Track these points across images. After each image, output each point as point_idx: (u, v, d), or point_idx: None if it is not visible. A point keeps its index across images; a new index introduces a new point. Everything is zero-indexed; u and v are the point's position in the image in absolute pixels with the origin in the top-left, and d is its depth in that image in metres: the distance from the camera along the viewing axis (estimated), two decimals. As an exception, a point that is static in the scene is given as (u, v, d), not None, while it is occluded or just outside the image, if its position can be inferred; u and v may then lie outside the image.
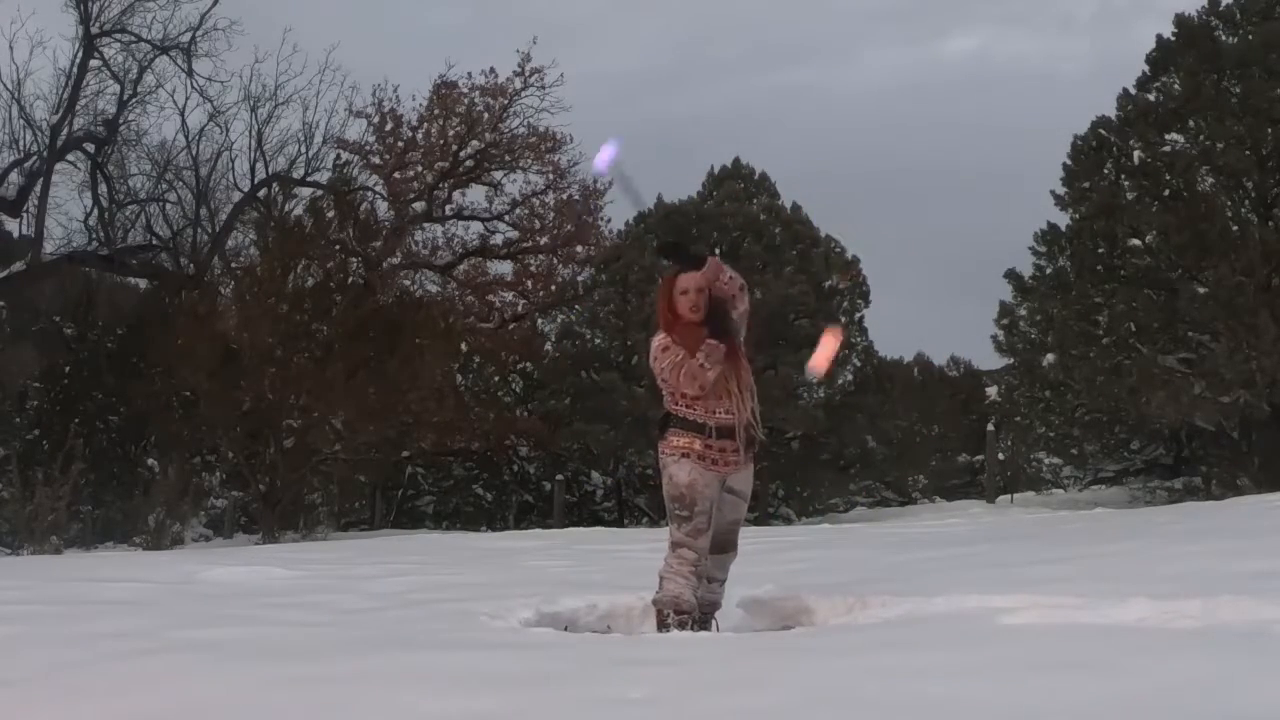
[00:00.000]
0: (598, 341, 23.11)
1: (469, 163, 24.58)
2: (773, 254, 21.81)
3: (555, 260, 24.99)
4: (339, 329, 18.67)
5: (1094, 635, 3.79)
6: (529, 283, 25.17)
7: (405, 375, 18.63)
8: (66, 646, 4.23)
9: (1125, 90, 18.45)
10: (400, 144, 24.40)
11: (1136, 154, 17.92)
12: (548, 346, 25.28)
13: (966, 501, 21.42)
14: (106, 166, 22.94)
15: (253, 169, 23.69)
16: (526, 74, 23.94)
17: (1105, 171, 18.42)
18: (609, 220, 24.51)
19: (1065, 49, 78.92)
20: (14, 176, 21.88)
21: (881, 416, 23.31)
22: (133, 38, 22.49)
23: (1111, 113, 18.48)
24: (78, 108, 22.01)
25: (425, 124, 24.29)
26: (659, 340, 4.86)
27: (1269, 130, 16.53)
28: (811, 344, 5.53)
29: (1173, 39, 18.15)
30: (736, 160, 23.48)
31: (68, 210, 33.73)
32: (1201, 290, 16.26)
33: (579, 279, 24.40)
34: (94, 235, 22.54)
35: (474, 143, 24.41)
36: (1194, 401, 15.98)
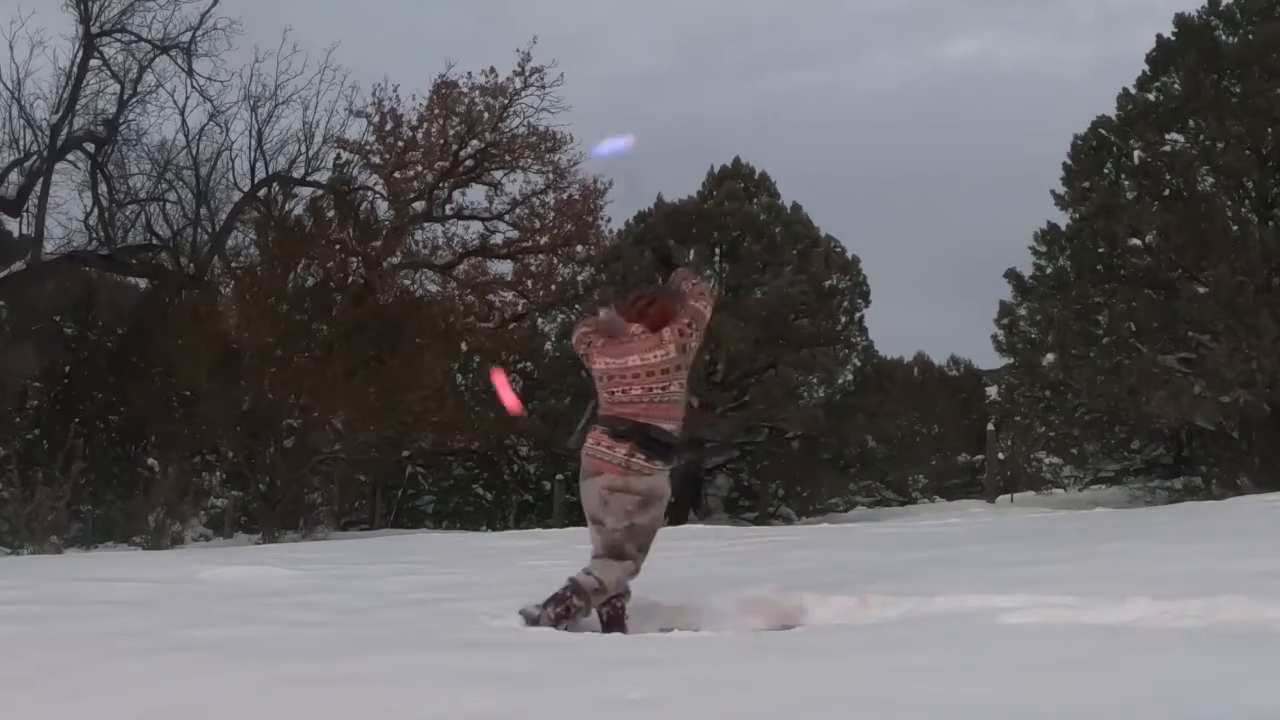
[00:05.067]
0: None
1: (469, 162, 24.56)
2: (773, 254, 21.81)
3: (555, 260, 24.98)
4: (339, 329, 18.66)
5: (1094, 635, 3.79)
6: (529, 282, 25.16)
7: (405, 375, 18.62)
8: (66, 646, 4.22)
9: (1125, 90, 18.43)
10: (400, 144, 24.38)
11: (1136, 154, 17.91)
12: (548, 346, 25.28)
13: (966, 501, 21.39)
14: (106, 166, 22.92)
15: (253, 169, 23.70)
16: (526, 74, 23.95)
17: (1105, 171, 18.41)
18: (609, 220, 24.53)
19: (1066, 53, 79.07)
20: (14, 176, 21.88)
21: (881, 416, 23.30)
22: (133, 37, 22.48)
23: (1112, 113, 18.48)
24: (78, 107, 22.01)
25: (425, 124, 24.28)
26: (694, 318, 4.81)
27: (1269, 130, 16.52)
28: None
29: (1173, 38, 18.14)
30: (737, 160, 23.48)
31: (68, 210, 33.70)
32: (1201, 290, 16.25)
33: (579, 279, 24.39)
34: (94, 235, 22.52)
35: (474, 142, 24.40)
36: (1194, 401, 15.97)
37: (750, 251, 21.75)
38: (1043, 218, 19.18)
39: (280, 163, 23.85)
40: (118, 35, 22.46)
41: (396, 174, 24.43)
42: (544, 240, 24.85)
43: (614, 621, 4.78)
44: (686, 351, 4.76)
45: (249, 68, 30.77)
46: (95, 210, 22.62)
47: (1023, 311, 19.36)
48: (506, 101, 24.13)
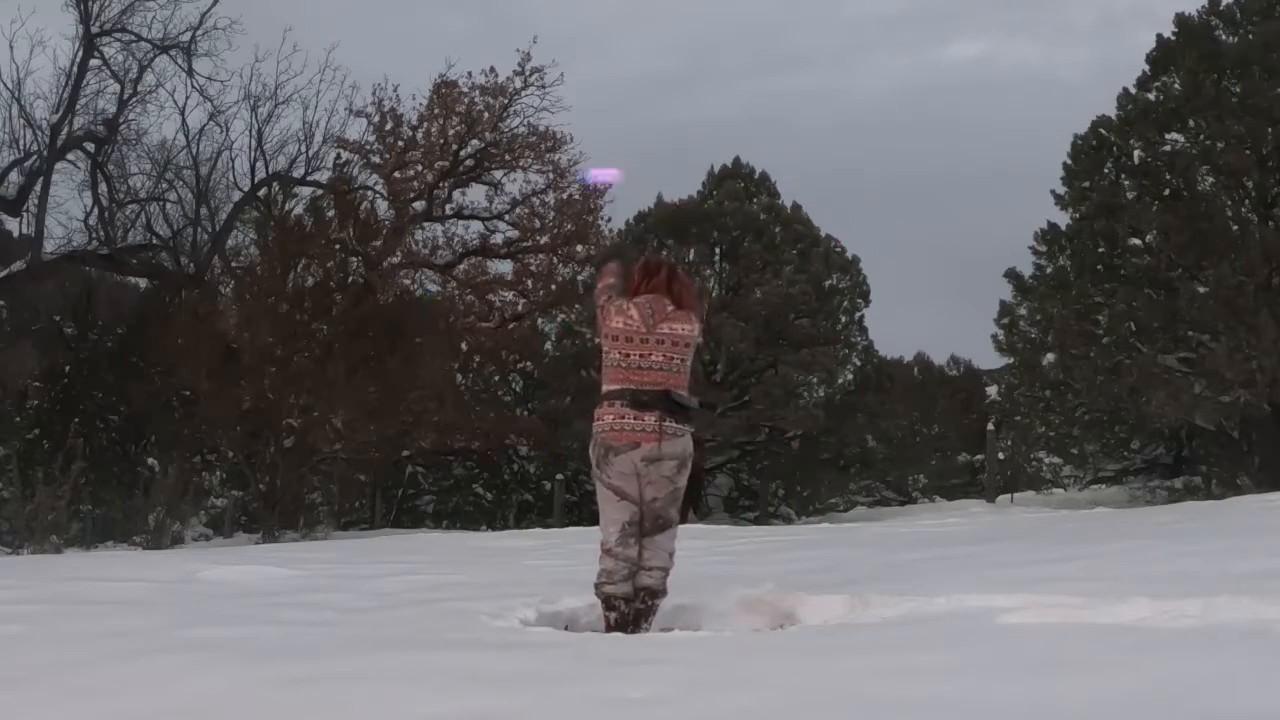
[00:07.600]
0: (598, 341, 23.08)
1: (469, 162, 24.53)
2: (773, 253, 21.81)
3: (555, 260, 24.97)
4: (339, 328, 18.65)
5: (1094, 635, 3.79)
6: (529, 282, 25.15)
7: (405, 375, 18.62)
8: (66, 646, 4.23)
9: (1125, 90, 18.44)
10: (400, 143, 24.36)
11: (1136, 153, 17.91)
12: (548, 346, 25.28)
13: (966, 501, 21.41)
14: (106, 166, 22.88)
15: (253, 168, 23.65)
16: (526, 73, 23.91)
17: (1105, 171, 18.42)
18: (609, 220, 24.51)
19: (1066, 55, 79.22)
20: (14, 176, 21.83)
21: (881, 416, 23.31)
22: (133, 37, 22.45)
23: (1112, 113, 18.48)
24: (78, 107, 21.96)
25: (425, 123, 24.25)
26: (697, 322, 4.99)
27: (1269, 130, 16.52)
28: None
29: (1173, 38, 18.14)
30: (737, 160, 23.48)
31: (68, 210, 33.86)
32: (1201, 290, 16.25)
33: (579, 278, 24.38)
34: (94, 235, 22.49)
35: (474, 142, 24.36)
36: (1194, 401, 15.98)
37: (750, 251, 21.75)
38: (1043, 218, 19.21)
39: (280, 162, 23.83)
40: (118, 35, 22.44)
41: (396, 174, 24.40)
42: (544, 240, 24.83)
43: (621, 623, 4.78)
44: (700, 337, 5.03)
45: (249, 68, 30.93)
46: (95, 210, 22.60)
47: (1023, 311, 19.37)
48: (506, 101, 24.11)
